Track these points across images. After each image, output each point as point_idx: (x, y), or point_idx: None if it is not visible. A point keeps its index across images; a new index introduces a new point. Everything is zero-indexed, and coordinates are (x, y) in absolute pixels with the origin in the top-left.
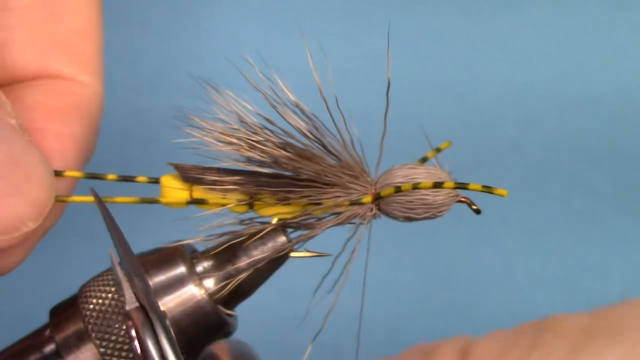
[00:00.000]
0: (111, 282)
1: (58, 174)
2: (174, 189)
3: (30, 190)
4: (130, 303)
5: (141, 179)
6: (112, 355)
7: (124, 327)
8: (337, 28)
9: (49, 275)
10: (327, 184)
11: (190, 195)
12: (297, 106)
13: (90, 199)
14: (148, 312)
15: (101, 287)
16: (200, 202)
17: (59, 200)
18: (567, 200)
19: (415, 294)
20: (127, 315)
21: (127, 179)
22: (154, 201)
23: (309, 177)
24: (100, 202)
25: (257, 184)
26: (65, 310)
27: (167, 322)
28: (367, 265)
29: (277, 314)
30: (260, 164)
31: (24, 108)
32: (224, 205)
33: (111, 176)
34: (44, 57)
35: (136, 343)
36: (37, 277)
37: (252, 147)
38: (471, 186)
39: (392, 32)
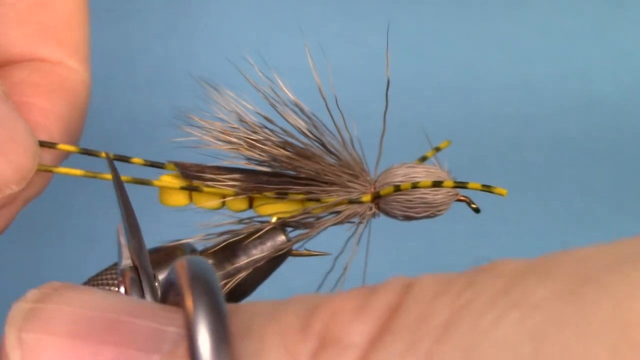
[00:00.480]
0: (110, 282)
1: (51, 145)
2: (172, 183)
3: (14, 152)
4: (125, 263)
5: (137, 160)
6: None
7: None
8: (337, 28)
9: (48, 275)
10: (326, 183)
11: (190, 196)
12: (296, 105)
13: (76, 171)
14: (139, 271)
15: (100, 287)
16: (195, 189)
17: (43, 170)
18: (567, 200)
19: None
20: (120, 274)
21: (122, 158)
22: (147, 183)
23: (308, 176)
24: (110, 162)
25: (256, 182)
26: None
27: (156, 283)
28: (366, 264)
29: None
30: (260, 163)
31: (11, 84)
32: (220, 194)
33: (104, 154)
34: (32, 44)
35: None
36: (36, 277)
37: (252, 146)
38: (470, 185)
39: (392, 32)
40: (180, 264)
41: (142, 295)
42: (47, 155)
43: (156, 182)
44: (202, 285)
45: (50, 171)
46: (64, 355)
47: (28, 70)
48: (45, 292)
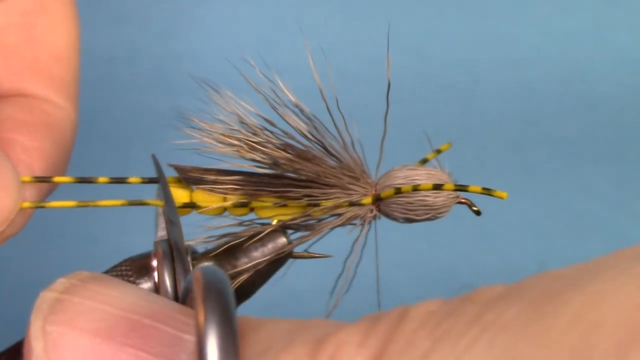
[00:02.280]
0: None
1: (45, 180)
2: (175, 194)
3: None
4: (160, 236)
5: (134, 179)
6: None
7: None
8: (338, 29)
9: (49, 276)
10: (327, 185)
11: (190, 198)
12: (297, 107)
13: (69, 203)
14: (171, 245)
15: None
16: (192, 205)
17: (28, 207)
18: (567, 200)
19: (416, 294)
20: (154, 246)
21: (119, 180)
22: (142, 203)
23: (309, 178)
24: (156, 161)
25: (257, 185)
26: None
27: (188, 258)
28: (378, 267)
29: (277, 314)
30: (261, 165)
31: None
32: (221, 199)
33: (102, 179)
34: (19, 79)
35: (155, 274)
36: (36, 278)
37: (253, 148)
38: (471, 188)
39: (393, 32)
40: (196, 275)
41: (173, 269)
42: (30, 192)
43: (152, 202)
44: (214, 301)
45: (40, 207)
46: (85, 352)
47: (14, 106)
48: (73, 282)
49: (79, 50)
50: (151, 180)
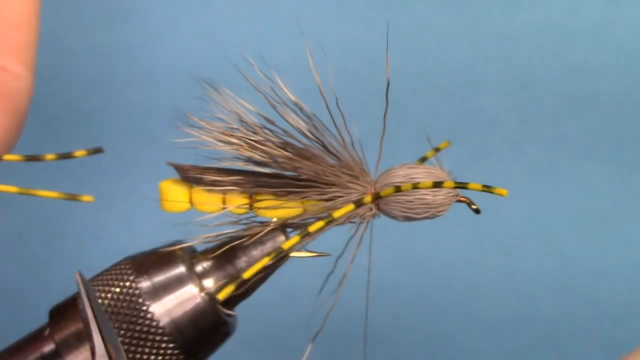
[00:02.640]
0: (110, 283)
1: None
2: (174, 193)
3: None
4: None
5: (80, 153)
6: None
7: (123, 326)
8: (337, 28)
9: (49, 275)
10: (326, 184)
11: (189, 196)
12: (297, 106)
13: (11, 188)
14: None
15: (100, 287)
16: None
17: None
18: (566, 198)
19: (415, 293)
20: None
21: (65, 156)
22: (74, 198)
23: (308, 176)
24: (86, 284)
25: (256, 183)
26: (65, 311)
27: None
28: (370, 264)
29: (277, 313)
30: (260, 163)
31: None
32: (220, 199)
33: (50, 156)
34: None
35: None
36: (36, 277)
37: (252, 147)
38: (471, 185)
39: (392, 32)
40: None
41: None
42: None
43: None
44: None
45: None
46: None
47: None
48: None
49: (39, 17)
50: (96, 151)
